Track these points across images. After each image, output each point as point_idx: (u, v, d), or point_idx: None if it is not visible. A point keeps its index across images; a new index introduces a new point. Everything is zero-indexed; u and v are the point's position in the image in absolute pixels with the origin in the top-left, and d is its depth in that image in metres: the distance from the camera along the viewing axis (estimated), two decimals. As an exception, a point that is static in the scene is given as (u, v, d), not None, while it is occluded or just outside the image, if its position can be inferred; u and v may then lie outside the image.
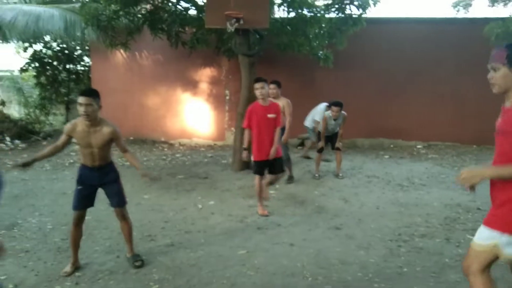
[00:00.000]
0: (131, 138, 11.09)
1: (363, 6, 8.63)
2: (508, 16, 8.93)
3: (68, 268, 3.63)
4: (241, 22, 6.69)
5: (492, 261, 2.14)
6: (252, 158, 5.20)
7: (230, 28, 6.70)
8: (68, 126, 3.58)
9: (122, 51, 10.20)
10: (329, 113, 7.07)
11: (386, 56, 10.55)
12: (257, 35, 7.92)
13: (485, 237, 2.11)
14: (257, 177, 5.17)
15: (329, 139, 7.31)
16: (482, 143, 10.52)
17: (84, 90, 3.59)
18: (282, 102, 6.32)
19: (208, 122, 11.02)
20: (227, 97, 10.84)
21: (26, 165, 3.47)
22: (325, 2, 8.74)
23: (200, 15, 8.16)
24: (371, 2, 8.60)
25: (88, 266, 3.74)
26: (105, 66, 11.11)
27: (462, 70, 10.43)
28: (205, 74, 10.88)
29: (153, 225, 4.82)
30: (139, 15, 8.51)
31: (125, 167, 8.04)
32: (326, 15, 8.76)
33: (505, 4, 9.40)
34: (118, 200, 3.77)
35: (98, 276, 3.54)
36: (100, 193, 3.77)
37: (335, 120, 7.06)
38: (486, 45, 9.07)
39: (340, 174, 7.30)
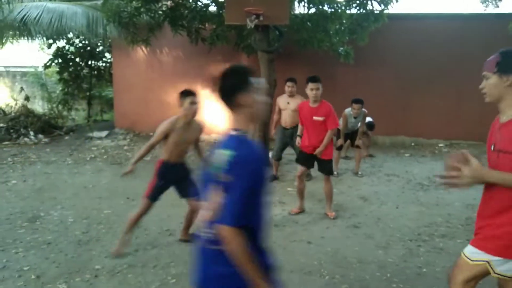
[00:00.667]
0: (151, 133, 11.18)
1: (385, 1, 8.50)
2: (537, 11, 8.63)
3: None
4: (261, 18, 6.65)
5: (480, 276, 2.07)
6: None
7: (250, 24, 6.68)
8: (166, 125, 3.70)
9: (143, 47, 10.30)
10: (349, 110, 7.00)
11: (408, 52, 10.35)
12: (277, 32, 7.88)
13: (476, 254, 2.04)
14: (299, 168, 5.11)
15: (349, 136, 7.24)
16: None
17: (191, 90, 3.84)
18: (297, 101, 6.27)
19: (226, 119, 11.03)
20: (246, 94, 10.84)
21: (130, 171, 3.68)
22: (346, -2, 8.63)
23: (220, 12, 8.16)
24: (393, -2, 8.46)
25: (107, 259, 3.80)
26: (126, 62, 11.24)
27: (488, 67, 10.16)
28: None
29: (172, 220, 4.87)
30: (160, 12, 8.56)
31: (144, 162, 8.11)
32: (347, 11, 8.66)
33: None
34: (197, 191, 3.88)
35: (117, 269, 3.60)
36: (117, 187, 3.83)
37: (355, 118, 6.99)
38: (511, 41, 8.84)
39: (360, 172, 7.21)
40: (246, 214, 1.61)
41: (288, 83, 6.49)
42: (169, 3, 8.76)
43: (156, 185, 3.86)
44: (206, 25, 8.77)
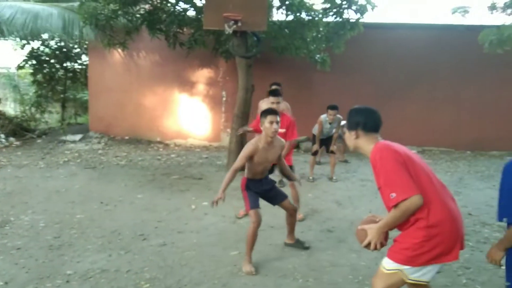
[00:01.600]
0: (127, 137, 11.08)
1: (361, 10, 8.68)
2: (503, 24, 8.97)
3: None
4: (239, 24, 6.70)
5: (397, 284, 2.24)
6: None
7: (228, 30, 6.72)
8: (250, 148, 3.67)
9: (120, 50, 10.21)
10: (325, 116, 7.10)
11: (383, 61, 10.60)
12: (255, 38, 7.95)
13: (390, 264, 2.22)
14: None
15: (324, 142, 7.34)
16: (476, 149, 10.60)
17: (272, 109, 3.79)
18: (281, 106, 6.32)
19: (204, 123, 11.02)
20: (224, 99, 10.86)
21: (220, 198, 3.56)
22: (323, 6, 8.78)
23: (199, 16, 8.18)
24: (368, 7, 8.65)
25: (80, 264, 3.74)
26: (102, 65, 11.10)
27: (459, 77, 10.51)
28: (202, 75, 10.89)
29: (146, 224, 4.83)
30: (138, 15, 8.52)
31: (119, 166, 8.06)
32: (324, 19, 8.81)
33: (504, 11, 9.43)
34: (285, 195, 4.06)
35: (89, 274, 3.55)
36: (91, 192, 3.78)
37: (330, 123, 7.10)
38: (481, 52, 9.17)
39: (334, 178, 7.32)
40: None
41: (274, 87, 6.51)
42: (147, 6, 8.72)
43: (250, 194, 3.86)
44: (184, 29, 8.77)
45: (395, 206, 2.09)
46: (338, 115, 7.03)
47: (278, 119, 3.62)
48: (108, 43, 8.75)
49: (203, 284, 3.40)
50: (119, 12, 8.16)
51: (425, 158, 9.65)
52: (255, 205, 3.80)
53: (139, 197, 5.97)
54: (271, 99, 4.97)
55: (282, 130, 4.89)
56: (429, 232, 2.11)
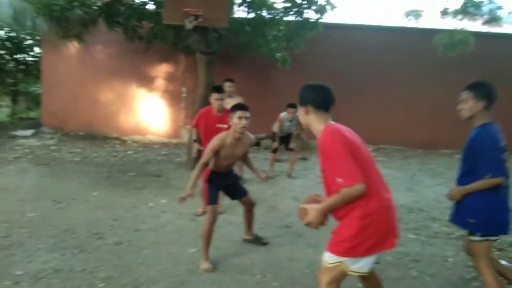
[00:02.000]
0: (81, 133, 10.73)
1: (321, 11, 8.84)
2: (455, 28, 9.43)
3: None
4: (200, 19, 6.64)
5: (341, 276, 2.32)
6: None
7: (189, 25, 6.65)
8: (216, 143, 3.62)
9: (75, 43, 9.85)
10: (285, 114, 7.19)
11: (342, 61, 10.85)
12: (216, 34, 7.90)
13: (330, 257, 2.30)
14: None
15: (283, 139, 7.43)
16: (427, 148, 11.08)
17: (242, 104, 3.74)
18: (237, 100, 6.38)
19: (163, 119, 10.86)
20: (184, 95, 10.74)
21: (189, 195, 3.51)
22: (284, 5, 8.86)
23: (158, 10, 8.03)
24: (328, 8, 8.82)
25: (31, 264, 3.59)
26: (56, 58, 10.66)
27: (414, 78, 10.93)
28: (161, 70, 10.71)
29: (101, 223, 4.70)
30: (95, 7, 8.24)
31: (73, 163, 7.80)
32: (285, 18, 8.90)
33: (454, 16, 9.92)
34: (246, 191, 4.09)
35: (41, 274, 3.41)
36: (43, 189, 3.64)
37: (290, 121, 7.19)
38: (435, 54, 9.59)
39: (293, 174, 7.43)
40: None
41: (227, 83, 6.46)
42: (104, -2, 8.46)
43: (210, 190, 3.85)
44: (143, 23, 8.58)
45: (338, 190, 2.14)
46: (297, 113, 7.12)
47: (248, 114, 3.62)
48: (63, 35, 8.42)
49: (160, 282, 3.36)
50: (75, 3, 7.85)
51: (380, 156, 9.98)
52: (213, 201, 3.80)
53: (94, 194, 5.80)
54: (215, 95, 4.95)
55: (225, 126, 4.91)
56: (364, 222, 2.18)
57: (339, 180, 2.11)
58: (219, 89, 5.08)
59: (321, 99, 2.38)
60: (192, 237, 4.33)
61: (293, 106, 7.04)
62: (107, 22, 8.23)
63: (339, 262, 2.25)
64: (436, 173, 8.46)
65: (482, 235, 2.81)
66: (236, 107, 3.65)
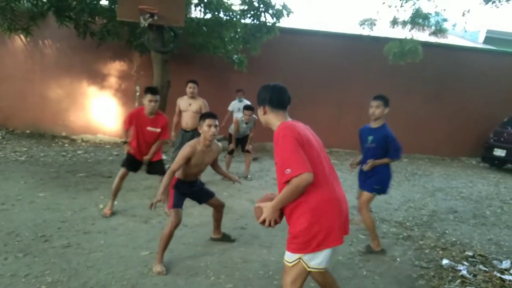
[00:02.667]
0: (28, 131, 10.21)
1: (277, 15, 8.97)
2: (405, 37, 9.87)
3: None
4: (156, 17, 6.53)
5: (303, 275, 2.36)
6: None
7: (144, 22, 6.51)
8: (188, 150, 3.60)
9: (22, 36, 9.37)
10: (241, 116, 7.22)
11: (297, 65, 11.04)
12: (172, 33, 7.79)
13: (289, 255, 2.36)
14: (122, 169, 5.02)
15: (240, 141, 7.46)
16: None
17: (211, 112, 3.71)
18: (198, 102, 6.40)
19: (115, 118, 10.54)
20: (137, 93, 10.48)
21: (160, 201, 3.42)
22: (241, 8, 8.91)
23: (112, 6, 7.79)
24: (284, 12, 8.97)
25: (-32, 269, 3.37)
26: (2, 51, 10.08)
27: (367, 84, 11.30)
28: (114, 68, 10.40)
29: (48, 225, 4.49)
30: (44, 0, 7.87)
31: (18, 162, 7.41)
32: (242, 21, 8.95)
33: (403, 26, 10.39)
34: (213, 193, 4.13)
35: (-21, 280, 3.20)
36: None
37: (246, 123, 7.22)
38: (386, 62, 9.99)
39: (249, 176, 7.46)
40: None
41: (190, 84, 6.42)
42: (54, -9, 8.11)
43: (175, 194, 3.78)
44: (96, 18, 8.30)
45: (288, 182, 2.18)
46: (254, 115, 7.17)
47: (217, 122, 3.65)
48: (8, 27, 7.97)
49: (110, 286, 3.26)
50: (22, -5, 7.49)
51: (332, 159, 10.25)
52: (178, 204, 3.74)
53: (41, 195, 5.53)
54: (149, 97, 4.81)
55: (156, 130, 4.96)
56: (313, 214, 2.24)
57: (288, 170, 2.16)
58: (153, 91, 4.92)
59: (276, 98, 2.46)
60: (144, 240, 4.24)
61: (249, 108, 7.09)
62: (57, 16, 7.88)
63: (298, 259, 2.30)
64: (385, 176, 8.79)
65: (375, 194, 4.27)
66: (206, 116, 3.67)
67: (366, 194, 4.32)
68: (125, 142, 5.12)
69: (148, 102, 4.83)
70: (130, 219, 4.87)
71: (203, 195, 4.07)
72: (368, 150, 4.39)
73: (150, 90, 4.91)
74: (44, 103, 10.29)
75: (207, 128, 3.60)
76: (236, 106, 8.92)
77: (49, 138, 10.05)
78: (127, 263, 3.68)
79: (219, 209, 4.19)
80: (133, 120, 4.92)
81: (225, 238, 4.36)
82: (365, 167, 4.30)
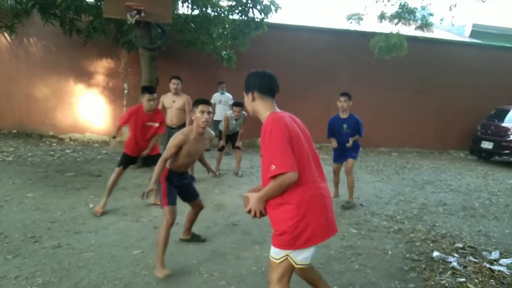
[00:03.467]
0: (14, 131, 10.06)
1: (265, 11, 8.95)
2: (390, 32, 9.92)
3: None
4: (143, 14, 6.47)
5: (289, 271, 2.36)
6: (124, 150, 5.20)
7: (130, 19, 6.45)
8: (180, 138, 3.49)
9: (6, 34, 9.21)
10: (230, 113, 7.19)
11: (286, 60, 11.04)
12: (159, 29, 7.73)
13: (276, 252, 2.34)
14: (118, 169, 5.09)
15: (230, 138, 7.44)
16: (366, 146, 11.56)
17: (204, 98, 3.59)
18: (182, 99, 6.34)
19: (103, 116, 10.44)
20: (125, 91, 10.40)
21: (152, 190, 3.38)
22: (229, 3, 8.87)
23: (98, 3, 7.71)
24: (272, 8, 8.95)
25: (-44, 273, 3.31)
26: (-16, 50, 9.91)
27: (355, 78, 11.36)
28: (101, 66, 10.29)
29: (37, 225, 4.43)
30: (28, -3, 7.75)
31: (5, 163, 7.30)
32: (230, 16, 8.91)
33: (391, 21, 10.46)
34: (197, 193, 4.05)
35: (-32, 283, 3.15)
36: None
37: (236, 120, 7.20)
38: (373, 56, 10.04)
39: (240, 173, 7.45)
40: None
41: (173, 81, 6.36)
42: (39, -12, 7.98)
43: (169, 189, 3.62)
44: (82, 16, 8.19)
45: (273, 177, 2.17)
46: (243, 112, 7.16)
47: (210, 109, 3.55)
48: (-9, 26, 7.84)
49: (102, 285, 3.23)
50: (6, -8, 7.36)
51: (322, 154, 10.29)
52: (172, 202, 3.61)
53: (29, 196, 5.46)
54: (147, 96, 4.97)
55: (155, 124, 5.16)
56: (298, 211, 2.22)
57: (273, 166, 2.14)
58: (151, 90, 5.06)
59: (265, 84, 2.42)
60: (136, 239, 4.21)
61: (239, 105, 7.06)
62: (42, 13, 7.77)
63: (286, 255, 2.29)
64: (375, 170, 8.86)
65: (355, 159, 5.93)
66: (198, 102, 3.54)
67: (351, 161, 5.92)
68: (114, 137, 5.23)
69: (146, 102, 4.99)
70: (121, 218, 4.83)
71: (190, 193, 3.98)
72: (346, 135, 5.90)
73: (148, 89, 5.05)
74: (30, 102, 10.15)
75: (200, 115, 3.47)
76: (217, 98, 9.00)
77: (36, 137, 9.92)
78: (119, 262, 3.65)
79: (197, 211, 4.10)
80: (132, 117, 5.02)
81: (195, 239, 4.24)
82: (349, 145, 5.87)
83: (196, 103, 3.53)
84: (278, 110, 2.42)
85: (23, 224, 4.43)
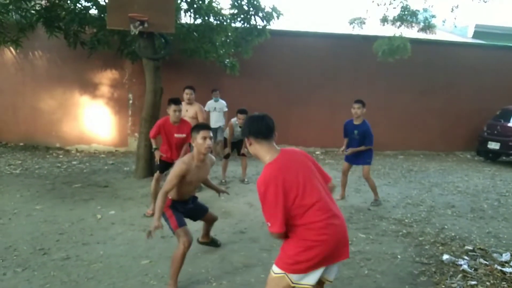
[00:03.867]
0: (21, 144, 10.14)
1: (267, 18, 9.00)
2: (393, 35, 9.93)
3: None
4: (146, 25, 6.52)
5: (286, 287, 2.35)
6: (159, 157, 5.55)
7: (134, 30, 6.50)
8: (182, 167, 3.33)
9: (12, 48, 9.32)
10: (235, 120, 7.20)
11: (289, 66, 11.06)
12: (163, 39, 7.79)
13: (276, 268, 2.37)
14: (156, 174, 5.41)
15: (235, 145, 7.44)
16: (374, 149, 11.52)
17: (204, 123, 3.60)
18: (194, 108, 6.49)
19: (109, 127, 10.51)
20: (130, 101, 10.46)
21: (158, 227, 3.17)
22: (231, 12, 8.93)
23: (102, 15, 7.79)
24: (274, 15, 9.00)
25: (-34, 287, 3.33)
26: (-9, 64, 10.03)
27: (358, 82, 11.35)
28: (106, 77, 10.37)
29: (46, 237, 4.45)
30: (33, 11, 7.84)
31: (13, 175, 7.36)
32: (232, 24, 8.96)
33: (393, 24, 10.47)
34: (206, 207, 4.04)
35: (-22, 297, 3.17)
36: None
37: (240, 127, 7.20)
38: (376, 60, 10.04)
39: (246, 180, 7.45)
40: None
41: (187, 91, 6.57)
42: (43, 2, 8.08)
43: (175, 213, 3.49)
44: (86, 28, 8.28)
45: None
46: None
47: (211, 134, 3.42)
48: (-3, 40, 7.94)
49: (112, 296, 3.24)
50: (11, 7, 7.46)
51: (328, 159, 10.28)
52: (182, 223, 3.43)
53: (37, 208, 5.49)
54: (173, 107, 5.28)
55: (182, 135, 5.45)
56: (306, 244, 2.24)
57: (268, 224, 2.26)
58: (176, 101, 5.32)
59: (256, 129, 2.42)
60: (144, 249, 4.22)
61: (243, 112, 7.08)
62: (46, 27, 7.86)
63: (284, 274, 2.30)
64: (381, 173, 8.82)
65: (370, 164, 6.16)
66: (199, 127, 3.41)
67: (366, 167, 6.15)
68: (156, 149, 5.55)
69: (172, 112, 5.32)
70: (129, 228, 4.84)
71: (197, 212, 3.90)
72: (354, 140, 6.12)
73: (173, 101, 5.34)
74: (36, 114, 10.24)
75: (202, 141, 3.32)
76: (212, 106, 9.06)
77: (43, 150, 9.99)
78: (127, 273, 3.66)
79: (211, 223, 4.11)
80: (160, 129, 5.40)
81: (213, 244, 4.28)
82: (348, 153, 6.16)
83: (197, 128, 3.40)
84: (275, 152, 2.42)
85: (32, 236, 4.45)
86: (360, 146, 6.05)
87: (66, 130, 10.37)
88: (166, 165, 5.54)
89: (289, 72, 11.02)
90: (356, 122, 6.12)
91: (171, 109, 5.28)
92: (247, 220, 5.25)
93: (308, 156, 2.49)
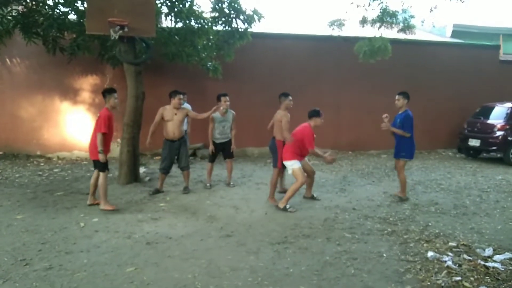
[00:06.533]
0: (1, 152, 9.92)
1: (249, 20, 9.00)
2: (374, 36, 10.03)
3: None
4: (126, 29, 6.46)
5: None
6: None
7: (114, 35, 6.43)
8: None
9: (-12, 56, 9.13)
10: (216, 114, 6.99)
11: (271, 68, 11.09)
12: (144, 44, 7.72)
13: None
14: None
15: (221, 147, 7.20)
16: (356, 149, 11.63)
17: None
18: (183, 111, 6.70)
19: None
20: (113, 107, 10.31)
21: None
22: (212, 15, 8.91)
23: (81, 20, 7.67)
24: (256, 17, 9.01)
25: None
26: (-34, 72, 9.79)
27: (339, 84, 11.44)
28: (86, 82, 10.23)
29: (28, 247, 4.35)
30: (9, 17, 7.68)
31: (-8, 185, 7.18)
32: (214, 28, 8.94)
33: (372, 25, 10.57)
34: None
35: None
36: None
37: (225, 112, 6.94)
38: (357, 61, 10.13)
39: (231, 183, 7.42)
40: None
41: (179, 96, 6.61)
42: (20, 8, 7.92)
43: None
44: (65, 33, 8.15)
45: None
46: (232, 111, 7.09)
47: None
48: (-29, 47, 7.75)
49: (97, 306, 3.17)
50: (-14, 14, 7.28)
51: (313, 160, 10.30)
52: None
53: (18, 218, 5.37)
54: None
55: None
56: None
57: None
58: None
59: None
60: (129, 256, 4.15)
61: (226, 94, 6.96)
62: (24, 33, 7.70)
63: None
64: (365, 173, 8.90)
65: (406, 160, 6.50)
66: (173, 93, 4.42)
67: (400, 161, 6.53)
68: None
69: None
70: (113, 236, 4.76)
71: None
72: (397, 128, 6.54)
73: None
74: (16, 122, 10.03)
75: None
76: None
77: (23, 158, 9.80)
78: (112, 281, 3.60)
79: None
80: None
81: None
82: (383, 126, 6.64)
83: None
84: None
85: (13, 247, 4.35)
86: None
87: (47, 137, 10.18)
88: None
89: (272, 74, 11.04)
90: (399, 112, 6.63)
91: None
92: (234, 224, 5.23)
93: None
